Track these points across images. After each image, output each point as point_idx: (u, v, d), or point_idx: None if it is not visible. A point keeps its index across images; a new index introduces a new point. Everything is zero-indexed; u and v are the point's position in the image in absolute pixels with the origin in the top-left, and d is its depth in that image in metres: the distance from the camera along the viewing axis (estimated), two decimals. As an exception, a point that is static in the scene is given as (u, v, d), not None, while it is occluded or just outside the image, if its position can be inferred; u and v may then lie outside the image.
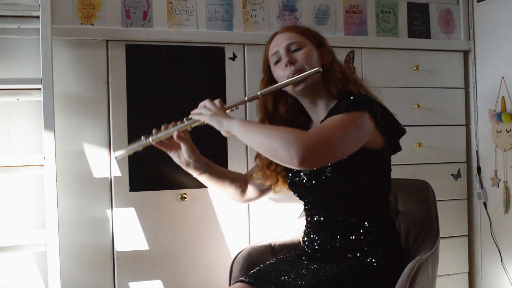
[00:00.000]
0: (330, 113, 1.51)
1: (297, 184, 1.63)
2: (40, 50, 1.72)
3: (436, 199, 1.83)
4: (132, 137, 2.00)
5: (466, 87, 2.52)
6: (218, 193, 1.83)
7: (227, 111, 1.55)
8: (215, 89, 2.12)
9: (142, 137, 1.66)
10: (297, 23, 2.25)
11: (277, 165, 1.66)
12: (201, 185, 2.06)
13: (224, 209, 2.10)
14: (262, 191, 1.82)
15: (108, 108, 1.99)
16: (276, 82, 1.60)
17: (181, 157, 1.70)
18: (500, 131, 2.36)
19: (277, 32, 1.64)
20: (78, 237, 1.94)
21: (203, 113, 1.54)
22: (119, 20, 2.02)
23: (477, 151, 2.49)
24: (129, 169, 1.99)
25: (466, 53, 2.52)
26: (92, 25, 1.99)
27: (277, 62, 1.59)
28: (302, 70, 1.54)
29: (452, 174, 2.47)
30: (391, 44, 2.38)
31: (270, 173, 1.69)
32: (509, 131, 2.32)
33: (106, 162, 1.98)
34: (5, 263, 1.94)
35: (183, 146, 1.67)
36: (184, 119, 1.61)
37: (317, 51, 1.60)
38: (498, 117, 2.35)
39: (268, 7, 2.21)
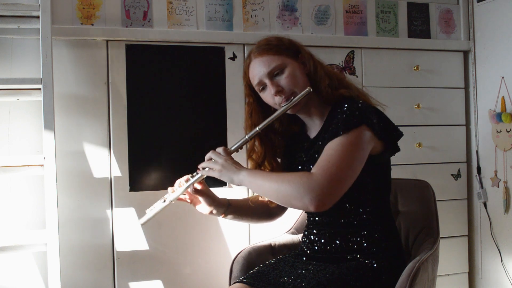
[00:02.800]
0: (329, 133, 1.48)
1: None
2: (40, 50, 1.72)
3: (436, 199, 1.83)
4: (132, 137, 2.00)
5: (466, 87, 2.52)
6: (248, 223, 1.81)
7: (233, 154, 1.55)
8: (215, 89, 2.12)
9: (159, 201, 1.60)
10: (297, 23, 2.25)
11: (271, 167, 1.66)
12: (201, 185, 2.08)
13: (224, 209, 2.10)
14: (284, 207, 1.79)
15: (108, 108, 1.99)
16: (265, 104, 1.60)
17: (204, 207, 1.66)
18: (500, 131, 2.36)
19: (251, 56, 1.57)
20: (78, 237, 1.94)
21: (212, 168, 1.52)
22: (119, 20, 2.02)
23: (477, 151, 2.49)
24: (129, 169, 1.99)
25: (466, 53, 2.52)
26: (92, 25, 1.99)
27: (263, 89, 1.57)
28: (293, 94, 1.52)
29: (452, 174, 2.47)
30: (391, 44, 2.39)
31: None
32: (509, 131, 2.32)
33: (106, 162, 1.98)
34: (5, 263, 1.94)
35: (201, 198, 1.64)
36: (195, 173, 1.58)
37: (297, 63, 1.56)
38: (498, 117, 2.35)
39: (268, 7, 2.21)
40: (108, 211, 1.97)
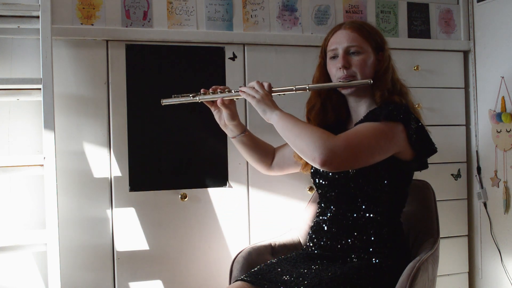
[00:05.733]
0: (367, 116, 1.56)
1: (319, 174, 1.66)
2: (40, 50, 1.72)
3: (436, 199, 1.83)
4: (132, 137, 2.00)
5: (466, 87, 2.52)
6: (245, 157, 1.91)
7: (273, 94, 1.62)
8: (215, 89, 2.12)
9: (191, 95, 1.72)
10: (297, 23, 2.25)
11: None
12: (201, 185, 2.08)
13: (224, 209, 2.10)
14: (287, 168, 1.88)
15: (108, 108, 1.99)
16: (328, 74, 1.68)
17: (221, 119, 1.77)
18: (500, 131, 2.36)
19: (342, 25, 1.66)
20: (78, 237, 1.94)
21: (252, 95, 1.59)
22: (119, 20, 2.02)
23: (477, 151, 2.49)
24: (129, 169, 1.99)
25: (466, 53, 2.52)
26: (92, 25, 1.99)
27: (333, 57, 1.65)
28: (354, 77, 1.60)
29: (452, 174, 2.47)
30: (391, 44, 2.34)
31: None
32: (509, 131, 2.32)
33: (106, 162, 1.98)
34: (5, 263, 1.94)
35: (224, 111, 1.73)
36: (233, 90, 1.69)
37: (375, 57, 1.64)
38: (498, 117, 2.35)
39: (268, 7, 2.21)
40: (108, 211, 1.97)
